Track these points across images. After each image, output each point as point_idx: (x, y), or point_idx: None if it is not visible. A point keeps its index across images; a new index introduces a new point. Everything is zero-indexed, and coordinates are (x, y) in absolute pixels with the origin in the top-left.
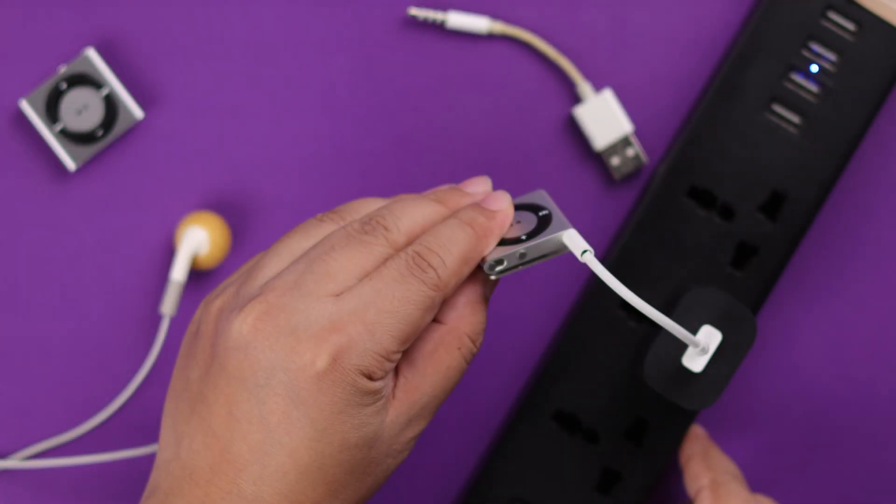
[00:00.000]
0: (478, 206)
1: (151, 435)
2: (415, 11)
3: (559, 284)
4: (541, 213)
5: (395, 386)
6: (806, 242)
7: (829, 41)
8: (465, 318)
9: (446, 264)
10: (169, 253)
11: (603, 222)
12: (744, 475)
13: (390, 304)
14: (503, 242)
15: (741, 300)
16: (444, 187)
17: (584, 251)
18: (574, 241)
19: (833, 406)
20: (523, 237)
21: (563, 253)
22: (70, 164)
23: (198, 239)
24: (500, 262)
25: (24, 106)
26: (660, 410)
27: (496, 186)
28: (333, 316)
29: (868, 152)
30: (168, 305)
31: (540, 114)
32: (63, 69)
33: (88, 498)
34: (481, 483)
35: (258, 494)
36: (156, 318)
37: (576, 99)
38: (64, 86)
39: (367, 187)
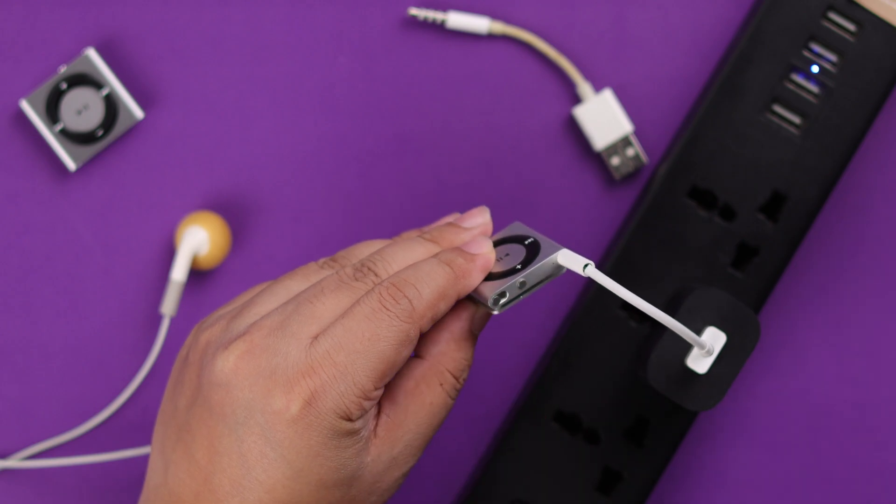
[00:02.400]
0: (458, 249)
1: (151, 435)
2: (415, 11)
3: (559, 284)
4: (527, 242)
5: (376, 424)
6: (806, 242)
7: (830, 42)
8: (448, 353)
9: (422, 295)
10: (169, 253)
11: (603, 222)
12: (745, 476)
13: (360, 343)
14: (499, 276)
15: (742, 301)
16: (444, 221)
17: (586, 265)
18: (571, 259)
19: (833, 406)
20: (518, 266)
21: (561, 274)
22: (70, 164)
23: (198, 239)
24: (502, 294)
25: (25, 106)
26: (661, 410)
27: (496, 187)
28: (307, 359)
29: (868, 153)
30: (168, 305)
31: (540, 114)
32: (63, 69)
33: (88, 498)
34: (482, 484)
35: None
36: (156, 319)
37: (576, 99)
38: (64, 86)
39: (367, 187)
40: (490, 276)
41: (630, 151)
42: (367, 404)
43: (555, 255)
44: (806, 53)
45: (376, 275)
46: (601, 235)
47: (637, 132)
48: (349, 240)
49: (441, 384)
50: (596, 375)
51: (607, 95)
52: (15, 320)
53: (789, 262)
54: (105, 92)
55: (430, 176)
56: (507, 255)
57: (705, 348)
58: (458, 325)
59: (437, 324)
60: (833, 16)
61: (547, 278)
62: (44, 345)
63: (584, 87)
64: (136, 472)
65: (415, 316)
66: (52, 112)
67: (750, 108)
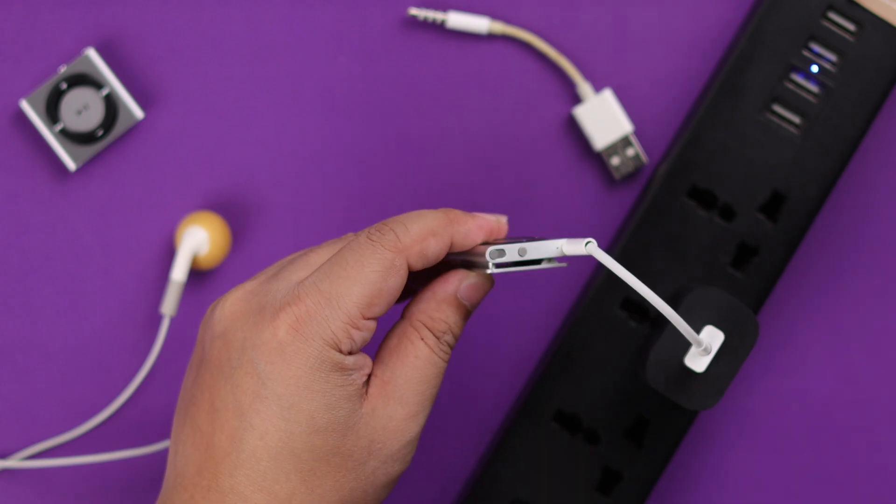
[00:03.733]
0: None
1: (151, 435)
2: (415, 11)
3: (559, 284)
4: (537, 237)
5: (368, 384)
6: (806, 242)
7: (830, 41)
8: (427, 311)
9: (408, 229)
10: (169, 253)
11: (603, 222)
12: (745, 476)
13: (344, 269)
14: (504, 241)
15: (742, 301)
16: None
17: (588, 242)
18: (573, 243)
19: (833, 406)
20: (524, 239)
21: (561, 266)
22: (70, 164)
23: (198, 239)
24: (501, 252)
25: (25, 106)
26: (660, 410)
27: (496, 187)
28: (295, 290)
29: (868, 152)
30: (168, 305)
31: (540, 114)
32: (63, 69)
33: (88, 498)
34: (482, 484)
35: (234, 486)
36: (156, 318)
37: (576, 99)
38: (64, 86)
39: (367, 187)
40: (495, 242)
41: (630, 151)
42: (355, 333)
43: (560, 240)
44: (806, 53)
45: (392, 230)
46: (601, 235)
47: (637, 132)
48: None
49: (422, 339)
50: (596, 375)
51: (607, 95)
52: (15, 320)
53: (789, 261)
54: (105, 92)
55: (430, 176)
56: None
57: (703, 346)
58: (441, 287)
59: (425, 286)
60: (833, 16)
61: (546, 260)
62: (44, 345)
63: (584, 87)
64: (136, 471)
65: (399, 246)
66: (52, 112)
67: (750, 107)
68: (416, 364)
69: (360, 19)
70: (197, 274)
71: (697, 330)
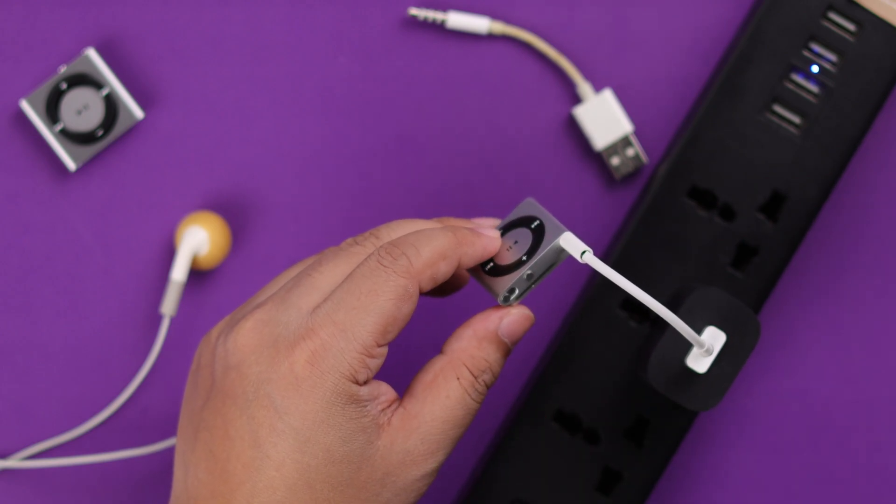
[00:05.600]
0: (465, 225)
1: (151, 435)
2: (415, 11)
3: (560, 285)
4: (533, 226)
5: (392, 413)
6: (806, 242)
7: (830, 41)
8: (467, 349)
9: (420, 253)
10: (169, 253)
11: (603, 222)
12: (745, 476)
13: (358, 299)
14: (507, 270)
15: (742, 301)
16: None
17: (583, 252)
18: (571, 243)
19: (833, 406)
20: (524, 258)
21: (566, 258)
22: (70, 164)
23: (198, 239)
24: (511, 290)
25: (25, 106)
26: (660, 410)
27: (496, 187)
28: (308, 322)
29: (868, 152)
30: (168, 305)
31: (540, 114)
32: (63, 69)
33: (88, 498)
34: (482, 484)
35: None
36: (156, 319)
37: (576, 99)
38: (64, 86)
39: (367, 187)
40: (499, 270)
41: (630, 151)
42: (370, 362)
43: (557, 240)
44: (806, 53)
45: (377, 237)
46: (601, 235)
47: (637, 132)
48: None
49: (458, 378)
50: (596, 376)
51: (607, 95)
52: (15, 320)
53: (789, 261)
54: (105, 92)
55: (430, 176)
56: (516, 242)
57: (704, 347)
58: (482, 324)
59: (465, 322)
60: (833, 16)
61: (554, 264)
62: (44, 345)
63: (584, 87)
64: (136, 471)
65: (412, 271)
66: (52, 112)
67: (750, 108)
68: (447, 404)
69: (360, 19)
70: (197, 274)
71: (699, 330)
